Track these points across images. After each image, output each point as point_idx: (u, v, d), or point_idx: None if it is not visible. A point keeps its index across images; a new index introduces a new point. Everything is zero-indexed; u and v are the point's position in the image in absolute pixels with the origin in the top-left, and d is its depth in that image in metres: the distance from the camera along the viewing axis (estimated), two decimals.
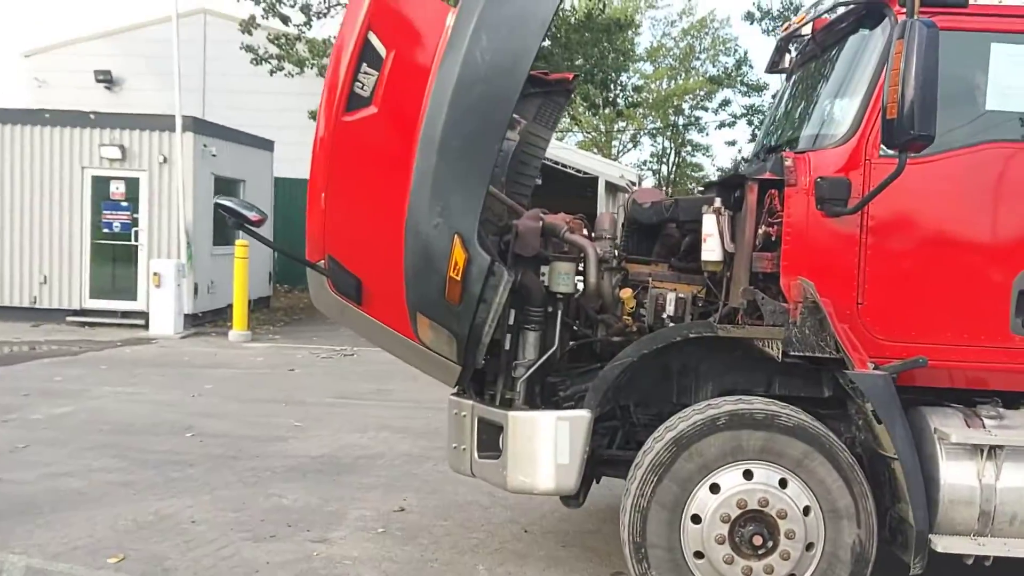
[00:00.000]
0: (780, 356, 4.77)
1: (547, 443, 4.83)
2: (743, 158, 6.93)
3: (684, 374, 5.26)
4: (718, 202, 5.11)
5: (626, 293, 5.31)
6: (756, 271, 4.93)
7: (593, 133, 47.23)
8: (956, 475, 4.60)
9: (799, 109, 5.78)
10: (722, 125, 44.43)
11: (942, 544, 4.55)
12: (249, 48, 20.55)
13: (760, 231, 4.91)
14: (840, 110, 5.04)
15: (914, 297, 4.80)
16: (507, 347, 5.12)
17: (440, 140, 4.63)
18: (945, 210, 4.82)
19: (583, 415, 4.85)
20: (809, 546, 4.60)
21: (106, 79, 25.68)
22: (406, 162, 4.70)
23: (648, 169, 47.72)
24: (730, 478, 4.63)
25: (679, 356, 5.15)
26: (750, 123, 40.82)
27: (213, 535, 6.17)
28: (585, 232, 5.40)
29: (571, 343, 5.34)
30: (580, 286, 5.27)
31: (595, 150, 42.66)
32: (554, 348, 5.10)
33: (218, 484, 7.39)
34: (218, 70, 24.35)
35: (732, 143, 50.90)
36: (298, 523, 6.45)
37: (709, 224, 5.10)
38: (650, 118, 47.64)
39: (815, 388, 5.09)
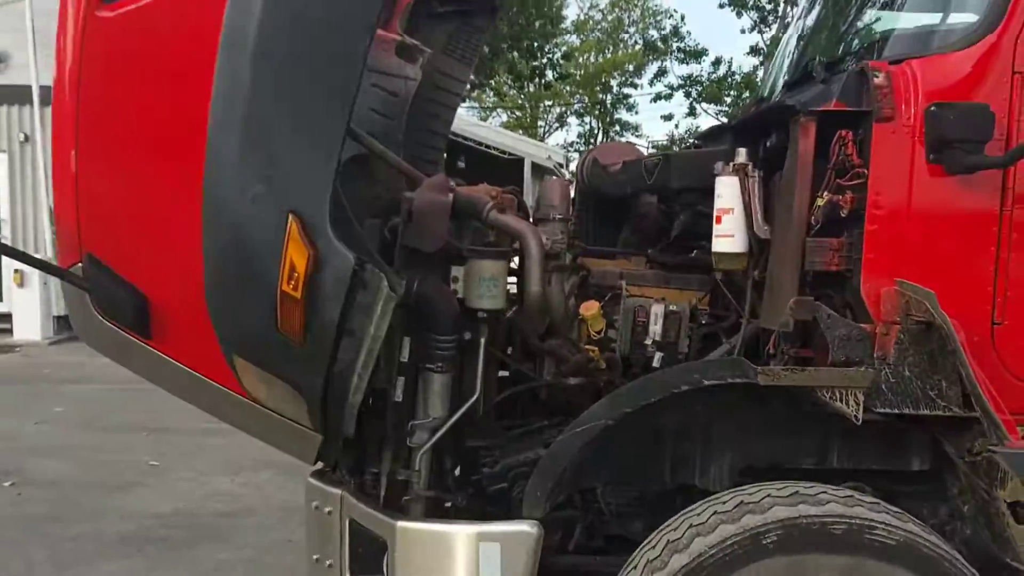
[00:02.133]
0: (859, 415, 2.80)
1: None
2: (752, 99, 4.83)
3: (684, 436, 3.26)
4: (743, 155, 3.10)
5: (590, 308, 3.28)
6: (812, 269, 2.93)
7: (518, 112, 45.23)
8: None
9: None
10: (658, 97, 42.05)
11: None
12: None
13: (821, 201, 2.88)
14: None
15: None
16: (398, 398, 3.06)
17: (255, 40, 2.55)
18: None
19: (525, 531, 2.81)
20: None
21: None
22: (204, 85, 2.61)
23: (575, 150, 45.77)
24: None
25: (677, 410, 3.13)
26: (687, 95, 38.78)
27: None
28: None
29: (502, 390, 3.39)
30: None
31: (520, 131, 40.60)
32: (475, 398, 3.10)
33: (17, 569, 5.37)
34: None
35: (669, 117, 49.64)
36: None
37: (728, 191, 3.10)
38: (577, 96, 45.79)
39: (897, 458, 3.16)
